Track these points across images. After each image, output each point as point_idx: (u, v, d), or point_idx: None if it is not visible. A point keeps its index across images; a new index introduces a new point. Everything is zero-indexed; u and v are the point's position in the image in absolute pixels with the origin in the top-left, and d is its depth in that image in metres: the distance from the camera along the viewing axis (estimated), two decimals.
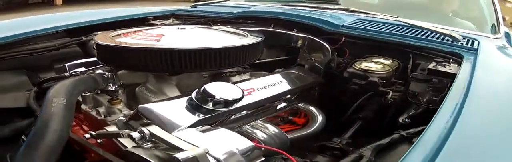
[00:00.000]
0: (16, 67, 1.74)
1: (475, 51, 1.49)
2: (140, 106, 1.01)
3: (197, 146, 0.78)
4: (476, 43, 1.62)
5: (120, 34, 1.36)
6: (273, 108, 1.34)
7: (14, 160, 0.79)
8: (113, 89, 1.24)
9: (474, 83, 1.09)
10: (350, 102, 1.47)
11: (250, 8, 2.11)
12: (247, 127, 1.18)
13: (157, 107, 1.00)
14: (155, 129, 0.89)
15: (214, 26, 1.64)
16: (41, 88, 1.42)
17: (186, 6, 2.45)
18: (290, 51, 1.71)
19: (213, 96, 0.97)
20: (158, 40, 1.22)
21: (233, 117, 1.16)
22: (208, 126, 0.94)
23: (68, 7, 12.05)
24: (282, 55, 1.77)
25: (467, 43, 1.58)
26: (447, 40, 1.57)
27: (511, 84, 1.20)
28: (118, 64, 1.25)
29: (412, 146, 0.73)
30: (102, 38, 1.29)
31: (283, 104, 1.38)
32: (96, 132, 1.04)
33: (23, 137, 1.32)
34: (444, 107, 0.92)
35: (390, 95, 1.35)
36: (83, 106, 1.31)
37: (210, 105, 0.98)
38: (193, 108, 0.99)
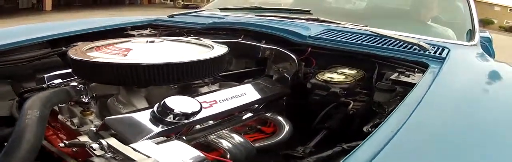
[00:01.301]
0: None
1: (442, 60, 1.52)
2: (106, 118, 1.09)
3: (149, 157, 0.86)
4: (445, 51, 1.65)
5: (92, 48, 1.44)
6: (239, 118, 1.41)
7: None
8: (86, 100, 1.33)
9: (428, 93, 1.12)
10: (317, 111, 1.52)
11: (224, 18, 2.20)
12: (213, 137, 1.26)
13: (122, 119, 1.08)
14: (112, 141, 0.97)
15: (183, 38, 1.71)
16: (22, 98, 1.50)
17: (164, 16, 2.53)
18: (260, 62, 1.79)
19: (172, 110, 1.05)
20: (125, 55, 1.30)
21: (198, 127, 1.26)
22: (163, 138, 1.02)
23: (57, 13, 12.14)
24: (252, 65, 1.85)
25: (435, 52, 1.61)
26: (415, 49, 1.62)
27: (466, 94, 1.22)
28: (89, 78, 1.33)
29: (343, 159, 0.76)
30: (74, 52, 1.37)
31: (250, 114, 1.45)
32: (69, 141, 1.12)
33: (5, 144, 1.40)
34: (389, 119, 0.95)
35: (351, 105, 1.41)
36: (59, 116, 1.39)
37: (170, 117, 1.06)
38: (155, 120, 1.07)
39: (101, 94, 1.43)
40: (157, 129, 1.05)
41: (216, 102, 1.26)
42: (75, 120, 1.33)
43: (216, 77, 1.63)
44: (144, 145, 0.93)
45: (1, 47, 1.78)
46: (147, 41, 1.47)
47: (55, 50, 1.91)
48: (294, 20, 2.08)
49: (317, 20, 2.03)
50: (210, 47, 1.49)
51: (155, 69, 1.22)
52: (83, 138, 1.13)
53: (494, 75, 1.52)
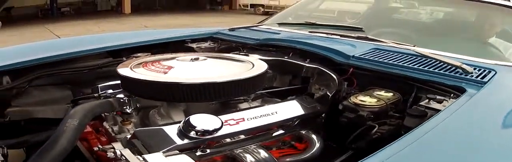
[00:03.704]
0: (60, 83, 2.07)
1: (482, 85, 1.51)
2: (136, 129, 1.30)
3: None
4: (490, 75, 1.63)
5: (141, 63, 1.64)
6: (269, 134, 1.53)
7: None
8: (129, 111, 1.55)
9: (444, 123, 1.16)
10: (348, 132, 1.58)
11: (279, 34, 2.34)
12: (239, 151, 1.38)
13: (150, 131, 1.27)
14: (126, 151, 1.16)
15: (228, 55, 1.87)
16: (76, 104, 1.72)
17: (225, 28, 2.70)
18: (305, 79, 1.89)
19: (195, 127, 1.22)
20: (166, 73, 1.48)
21: (229, 140, 1.40)
22: (176, 152, 1.17)
23: (136, 16, 12.88)
24: (297, 82, 1.96)
25: (478, 76, 1.60)
26: (457, 72, 1.62)
27: (472, 132, 1.20)
28: (131, 92, 1.53)
29: None
30: (123, 66, 1.58)
31: (281, 131, 1.56)
32: (102, 146, 1.32)
33: None
34: (384, 150, 1.02)
35: (375, 129, 1.46)
36: (104, 123, 1.62)
37: (193, 133, 1.23)
38: (179, 134, 1.24)
39: (146, 105, 1.63)
40: (178, 143, 1.21)
41: (244, 120, 1.39)
42: (115, 128, 1.55)
43: (260, 93, 1.77)
44: (154, 156, 1.09)
45: (67, 56, 2.05)
46: (191, 59, 1.64)
47: (116, 60, 2.16)
48: (344, 38, 2.17)
49: (366, 38, 2.10)
50: (251, 66, 1.62)
51: (189, 88, 1.39)
52: (117, 145, 1.32)
53: None
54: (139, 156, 1.11)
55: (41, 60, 1.94)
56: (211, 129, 1.22)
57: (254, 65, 1.63)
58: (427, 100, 1.47)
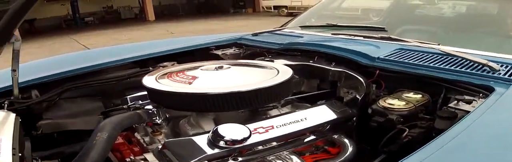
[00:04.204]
0: (91, 94, 2.13)
1: (511, 83, 1.49)
2: (166, 140, 1.34)
3: None
4: None
5: (166, 74, 1.68)
6: (301, 140, 1.54)
7: None
8: (159, 122, 1.59)
9: (474, 125, 1.15)
10: (380, 135, 1.57)
11: (302, 37, 2.36)
12: (272, 157, 1.41)
13: (180, 142, 1.31)
14: None
15: (252, 62, 1.90)
16: (106, 115, 1.79)
17: (249, 33, 2.72)
18: (333, 83, 1.89)
19: (223, 137, 1.24)
20: (190, 83, 1.52)
21: (261, 147, 1.43)
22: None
23: (160, 23, 13.06)
24: (326, 86, 1.95)
25: (506, 73, 1.57)
26: (484, 70, 1.60)
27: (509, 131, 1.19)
28: (158, 103, 1.58)
29: None
30: (148, 78, 1.62)
31: (312, 137, 1.57)
32: (134, 157, 1.37)
33: None
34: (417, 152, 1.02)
35: (406, 132, 1.46)
36: (136, 134, 1.66)
37: (221, 143, 1.25)
38: (208, 144, 1.27)
39: (176, 115, 1.67)
40: (209, 152, 1.24)
41: (273, 128, 1.41)
42: (146, 139, 1.60)
43: (291, 99, 1.79)
44: None
45: (93, 68, 2.11)
46: (215, 68, 1.67)
47: (142, 70, 2.21)
48: (367, 39, 2.17)
49: (389, 38, 2.08)
50: (276, 72, 1.64)
51: (214, 99, 1.42)
52: (148, 155, 1.36)
53: None
54: None
55: (67, 73, 2.01)
56: (239, 138, 1.25)
57: (279, 71, 1.64)
58: (455, 101, 1.46)
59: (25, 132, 1.62)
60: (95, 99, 2.12)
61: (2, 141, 1.24)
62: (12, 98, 1.75)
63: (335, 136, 1.62)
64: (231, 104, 1.44)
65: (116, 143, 1.62)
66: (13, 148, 1.21)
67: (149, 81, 1.59)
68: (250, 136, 1.27)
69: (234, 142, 1.25)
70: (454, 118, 1.38)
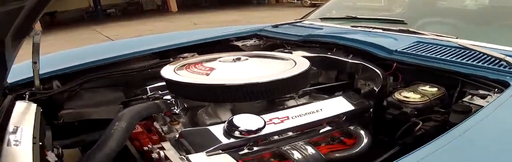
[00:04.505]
0: (112, 85, 2.19)
1: None
2: (183, 129, 1.39)
3: None
4: None
5: (184, 65, 1.73)
6: (317, 131, 1.58)
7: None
8: (177, 111, 1.65)
9: (486, 120, 1.16)
10: (394, 127, 1.59)
11: (321, 29, 2.37)
12: (287, 147, 1.44)
13: (196, 131, 1.36)
14: (170, 152, 1.26)
15: (270, 53, 1.94)
16: (126, 105, 1.86)
17: (269, 25, 2.74)
18: (350, 74, 1.91)
19: (238, 127, 1.29)
20: (208, 74, 1.56)
21: (277, 137, 1.47)
22: (219, 151, 1.25)
23: (183, 14, 13.11)
24: (344, 77, 1.98)
25: None
26: (501, 65, 1.58)
27: None
28: (176, 94, 1.63)
29: None
30: (167, 69, 1.68)
31: (328, 128, 1.61)
32: (151, 146, 1.41)
33: None
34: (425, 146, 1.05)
35: (419, 126, 1.47)
36: (155, 123, 1.71)
37: (236, 133, 1.30)
38: (224, 134, 1.32)
39: (194, 105, 1.72)
40: (224, 142, 1.29)
41: (288, 118, 1.45)
42: (165, 128, 1.65)
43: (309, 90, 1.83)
44: (197, 156, 1.18)
45: (114, 59, 2.17)
46: (233, 60, 1.71)
47: (163, 61, 2.25)
48: (386, 32, 2.16)
49: (408, 31, 2.07)
50: (293, 64, 1.67)
51: (230, 89, 1.46)
52: (166, 144, 1.40)
53: None
54: (182, 156, 1.20)
55: (88, 65, 2.08)
56: (254, 128, 1.29)
57: (297, 63, 1.67)
58: (470, 96, 1.46)
59: (46, 122, 1.69)
60: (116, 89, 2.19)
61: (23, 131, 1.31)
62: (33, 89, 1.82)
63: (351, 127, 1.64)
64: (248, 95, 1.48)
65: (135, 132, 1.69)
66: (33, 137, 1.28)
67: (167, 72, 1.64)
68: (264, 126, 1.31)
69: (249, 132, 1.29)
70: (468, 112, 1.38)
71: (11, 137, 1.25)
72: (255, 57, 1.79)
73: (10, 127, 1.33)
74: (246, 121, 1.30)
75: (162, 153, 1.25)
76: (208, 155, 1.19)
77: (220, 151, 1.25)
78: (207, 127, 1.37)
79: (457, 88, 1.61)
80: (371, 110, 1.70)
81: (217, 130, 1.34)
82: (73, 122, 1.94)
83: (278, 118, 1.43)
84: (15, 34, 1.30)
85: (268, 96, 1.54)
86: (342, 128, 1.65)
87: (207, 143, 1.29)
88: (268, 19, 9.97)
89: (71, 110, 1.96)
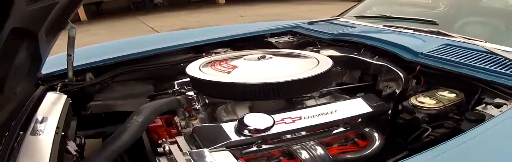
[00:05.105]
0: (145, 78, 2.31)
1: None
2: (195, 126, 1.49)
3: None
4: None
5: (210, 62, 1.80)
6: (329, 132, 1.61)
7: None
8: (198, 107, 1.73)
9: (492, 130, 1.18)
10: (407, 132, 1.60)
11: (354, 28, 2.40)
12: (297, 147, 1.50)
13: (208, 128, 1.44)
14: (174, 147, 1.34)
15: (296, 52, 1.98)
16: (153, 99, 1.96)
17: (305, 21, 2.77)
18: (374, 75, 1.93)
19: (247, 126, 1.36)
20: (229, 73, 1.63)
21: (289, 136, 1.52)
22: (223, 148, 1.33)
23: (230, 6, 13.18)
24: (367, 77, 2.00)
25: None
26: None
27: None
28: (198, 90, 1.71)
29: None
30: (192, 66, 1.76)
31: (341, 129, 1.63)
32: (166, 140, 1.49)
33: None
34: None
35: (428, 132, 1.48)
36: (175, 117, 1.81)
37: (246, 132, 1.36)
38: (234, 131, 1.39)
39: (216, 101, 1.79)
40: (233, 139, 1.36)
41: (301, 118, 1.49)
42: (183, 123, 1.73)
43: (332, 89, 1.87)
44: (199, 152, 1.27)
45: (150, 52, 2.28)
46: (258, 58, 1.76)
47: (195, 56, 2.34)
48: (416, 32, 2.16)
49: (438, 33, 2.06)
50: (316, 63, 1.71)
51: (249, 88, 1.53)
52: (180, 138, 1.49)
53: None
54: (185, 151, 1.28)
55: (121, 58, 2.19)
56: (262, 127, 1.35)
57: (319, 63, 1.71)
58: (483, 105, 1.45)
59: (74, 112, 1.80)
60: (147, 82, 2.30)
61: (48, 121, 1.41)
62: (66, 80, 1.94)
63: (367, 129, 1.67)
64: (265, 94, 1.53)
65: (155, 125, 1.79)
66: (57, 127, 1.38)
67: (192, 68, 1.73)
68: (273, 125, 1.37)
69: (258, 131, 1.36)
70: (481, 121, 1.37)
71: (36, 127, 1.35)
72: (280, 56, 1.84)
73: (37, 117, 1.43)
74: (256, 120, 1.37)
75: (167, 147, 1.33)
76: (211, 151, 1.26)
77: (224, 148, 1.32)
78: (220, 124, 1.44)
79: (476, 94, 1.59)
80: (389, 112, 1.71)
81: (229, 127, 1.40)
82: (100, 113, 2.06)
83: (291, 118, 1.48)
84: (50, 28, 1.39)
85: (285, 96, 1.59)
86: (358, 129, 1.68)
87: (216, 139, 1.36)
88: (313, 12, 9.92)
89: (100, 101, 2.07)
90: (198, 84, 1.69)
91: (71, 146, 1.48)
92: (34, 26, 1.20)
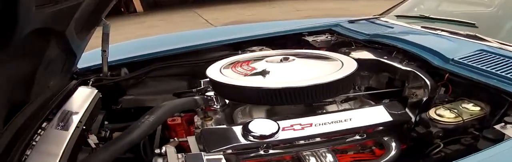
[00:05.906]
0: (180, 74, 2.36)
1: None
2: (203, 128, 1.50)
3: None
4: None
5: (232, 63, 1.80)
6: (343, 139, 1.58)
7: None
8: (217, 107, 1.74)
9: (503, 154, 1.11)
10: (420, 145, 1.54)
11: (392, 28, 2.32)
12: (307, 153, 1.47)
13: (214, 130, 1.46)
14: (170, 149, 1.34)
15: (322, 53, 1.95)
16: (179, 96, 2.00)
17: (345, 20, 2.74)
18: (403, 81, 1.85)
19: (251, 132, 1.37)
20: (246, 75, 1.63)
21: (302, 142, 1.51)
22: (219, 153, 1.33)
23: (284, 0, 13.13)
24: (395, 83, 1.92)
25: None
26: None
27: None
28: (215, 91, 1.72)
29: None
30: (214, 66, 1.78)
31: (357, 137, 1.59)
32: (177, 139, 1.54)
33: None
34: None
35: (439, 149, 1.40)
36: (195, 117, 1.82)
37: (250, 138, 1.37)
38: (240, 136, 1.40)
39: (236, 102, 1.80)
40: (237, 143, 1.38)
41: (311, 125, 1.47)
42: (199, 122, 1.75)
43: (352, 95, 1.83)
44: (193, 155, 1.29)
45: (186, 49, 2.32)
46: (280, 60, 1.74)
47: (231, 53, 2.37)
48: (452, 36, 2.04)
49: (474, 37, 1.93)
50: (339, 67, 1.67)
51: (265, 93, 1.52)
52: (191, 138, 1.52)
53: None
54: (179, 154, 1.30)
55: (157, 54, 2.24)
56: (267, 134, 1.36)
57: (344, 66, 1.67)
58: (503, 124, 1.31)
59: (105, 106, 1.87)
60: (181, 79, 2.34)
61: (72, 115, 1.47)
62: (100, 75, 2.01)
63: (386, 138, 1.61)
64: (281, 99, 1.52)
65: (174, 123, 1.82)
66: (79, 122, 1.43)
67: (213, 69, 1.75)
68: (278, 132, 1.37)
69: (262, 137, 1.36)
70: (499, 140, 1.27)
71: (59, 120, 1.41)
72: (304, 58, 1.81)
73: (64, 110, 1.49)
74: (261, 126, 1.37)
75: (164, 148, 1.34)
76: (206, 156, 1.26)
77: (222, 152, 1.34)
78: (226, 127, 1.47)
79: (503, 109, 1.45)
80: (412, 121, 1.63)
81: (236, 131, 1.42)
82: (130, 108, 2.11)
83: (300, 125, 1.46)
84: (82, 26, 1.45)
85: (301, 101, 1.57)
86: (376, 138, 1.62)
87: (221, 142, 1.38)
88: (369, 8, 9.64)
89: (131, 96, 2.14)
90: (214, 85, 1.70)
91: (92, 140, 1.54)
92: (59, 25, 1.24)
